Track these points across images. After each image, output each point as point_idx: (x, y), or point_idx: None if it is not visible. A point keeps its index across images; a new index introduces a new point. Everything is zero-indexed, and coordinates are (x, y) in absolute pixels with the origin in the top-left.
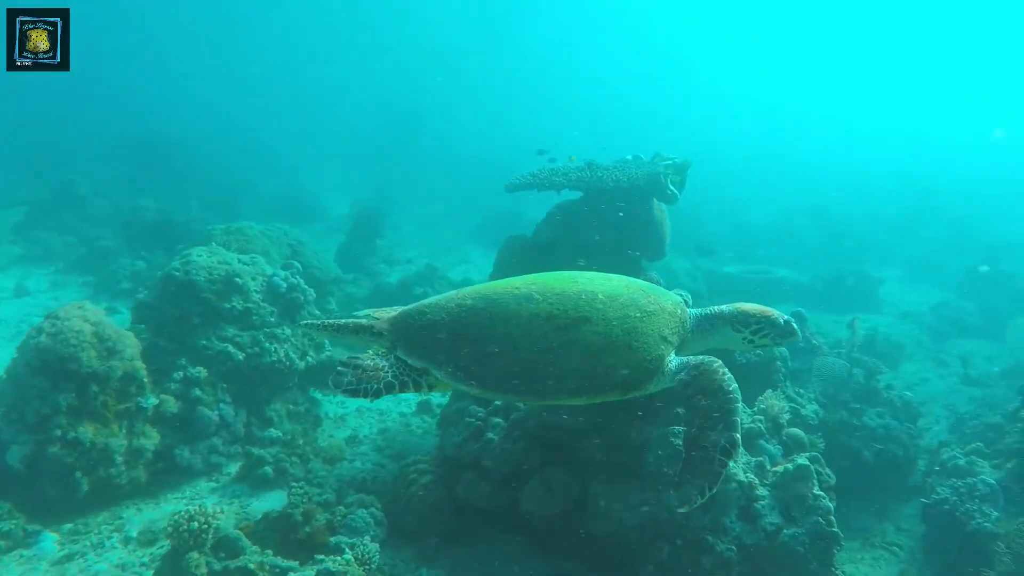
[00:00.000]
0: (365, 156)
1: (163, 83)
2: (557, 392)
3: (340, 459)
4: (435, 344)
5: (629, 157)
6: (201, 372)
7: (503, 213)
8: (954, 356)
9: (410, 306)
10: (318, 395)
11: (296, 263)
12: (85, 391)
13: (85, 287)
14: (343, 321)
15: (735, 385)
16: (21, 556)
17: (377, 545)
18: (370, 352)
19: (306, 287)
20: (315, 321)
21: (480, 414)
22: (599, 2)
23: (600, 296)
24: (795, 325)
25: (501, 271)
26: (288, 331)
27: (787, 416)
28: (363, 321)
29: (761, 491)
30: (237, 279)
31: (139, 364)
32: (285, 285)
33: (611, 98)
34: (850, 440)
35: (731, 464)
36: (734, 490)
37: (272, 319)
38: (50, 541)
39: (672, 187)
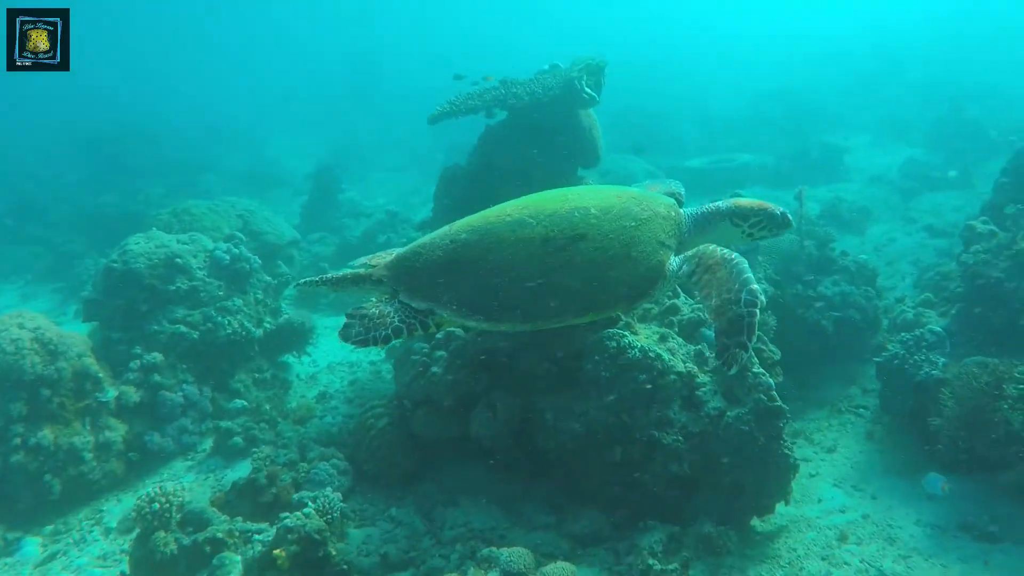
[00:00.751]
0: (328, 113)
1: (117, 72)
2: (563, 313)
3: (310, 417)
4: (435, 283)
5: (546, 67)
6: (157, 357)
7: (462, 145)
8: (922, 212)
9: (405, 248)
10: (289, 359)
11: (239, 234)
12: (36, 396)
13: (56, 294)
14: (340, 274)
15: (736, 253)
16: (5, 564)
17: (339, 495)
18: (373, 300)
19: (250, 255)
20: (313, 279)
21: (424, 350)
22: None
23: (593, 211)
24: (790, 216)
25: (440, 204)
26: (239, 301)
27: None
28: (361, 271)
29: (702, 378)
30: (178, 259)
31: (89, 360)
32: (228, 257)
33: (569, 13)
34: (808, 313)
35: (668, 357)
36: (674, 382)
37: (220, 293)
38: (33, 545)
39: (589, 90)
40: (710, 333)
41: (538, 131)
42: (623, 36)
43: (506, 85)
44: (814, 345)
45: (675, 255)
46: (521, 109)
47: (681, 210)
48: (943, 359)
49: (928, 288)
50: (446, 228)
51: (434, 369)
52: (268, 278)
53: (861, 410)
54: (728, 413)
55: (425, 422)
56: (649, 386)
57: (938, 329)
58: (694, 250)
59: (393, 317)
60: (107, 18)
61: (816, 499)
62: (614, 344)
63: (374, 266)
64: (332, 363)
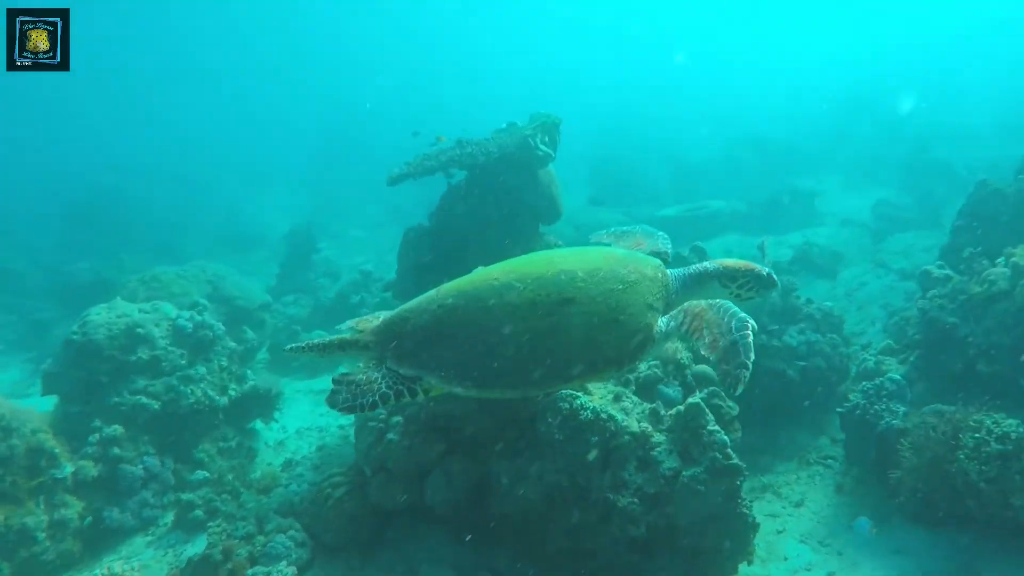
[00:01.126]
0: (311, 171)
1: (95, 134)
2: (552, 380)
3: (275, 486)
4: (423, 349)
5: (504, 125)
6: (117, 429)
7: (437, 202)
8: (893, 254)
9: (393, 313)
10: (258, 425)
11: (203, 300)
12: None
13: (27, 363)
14: (327, 340)
15: (718, 299)
16: None
17: (294, 569)
18: (360, 366)
19: (214, 322)
20: (300, 345)
21: (381, 416)
22: None
23: (580, 274)
24: (775, 276)
25: (404, 265)
26: (203, 370)
27: (686, 354)
28: (347, 336)
29: (657, 438)
30: (139, 329)
31: (44, 436)
32: (191, 325)
33: (546, 66)
34: (773, 363)
35: (621, 418)
36: (628, 442)
37: (183, 361)
38: None
39: (544, 147)
40: (667, 391)
41: (497, 190)
42: (599, 89)
43: (461, 145)
44: (781, 396)
45: (662, 316)
46: (479, 168)
47: (668, 271)
48: (903, 408)
49: (891, 334)
50: (433, 292)
51: (390, 436)
52: (233, 344)
53: (830, 461)
54: (684, 473)
55: (382, 490)
56: (598, 449)
57: (898, 377)
58: (678, 308)
59: (380, 383)
60: (88, 80)
61: (782, 557)
62: (567, 406)
63: (361, 331)
64: (301, 428)
